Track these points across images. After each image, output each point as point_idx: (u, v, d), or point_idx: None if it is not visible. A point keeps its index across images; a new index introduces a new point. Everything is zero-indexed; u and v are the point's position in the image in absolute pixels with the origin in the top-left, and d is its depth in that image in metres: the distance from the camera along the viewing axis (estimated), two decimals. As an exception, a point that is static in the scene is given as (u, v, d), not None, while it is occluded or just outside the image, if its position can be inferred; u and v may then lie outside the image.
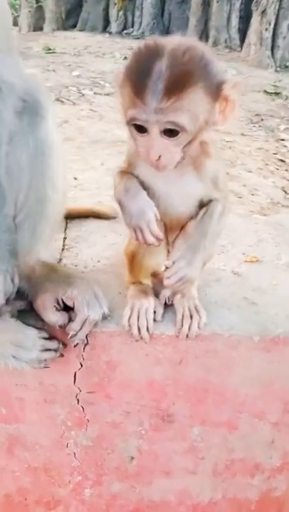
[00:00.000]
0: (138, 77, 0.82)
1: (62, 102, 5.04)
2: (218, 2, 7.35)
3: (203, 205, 1.01)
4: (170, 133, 0.84)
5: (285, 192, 3.61)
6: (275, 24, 6.76)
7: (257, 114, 5.58)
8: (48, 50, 6.82)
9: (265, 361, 1.07)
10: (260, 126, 5.26)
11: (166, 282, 0.94)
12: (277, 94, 6.27)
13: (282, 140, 4.94)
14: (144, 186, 0.96)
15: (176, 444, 1.25)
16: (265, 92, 6.28)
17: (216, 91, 0.85)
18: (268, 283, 1.17)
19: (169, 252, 1.06)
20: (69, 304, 0.95)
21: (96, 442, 1.23)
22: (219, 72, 0.86)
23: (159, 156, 0.86)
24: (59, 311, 0.94)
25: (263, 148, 4.60)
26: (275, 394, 1.15)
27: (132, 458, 1.28)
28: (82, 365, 1.05)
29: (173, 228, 1.04)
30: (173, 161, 0.88)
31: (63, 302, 0.95)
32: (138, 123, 0.84)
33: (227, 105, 0.88)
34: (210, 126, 0.90)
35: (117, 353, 1.04)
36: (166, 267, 0.93)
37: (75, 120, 3.92)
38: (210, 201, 1.01)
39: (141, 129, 0.85)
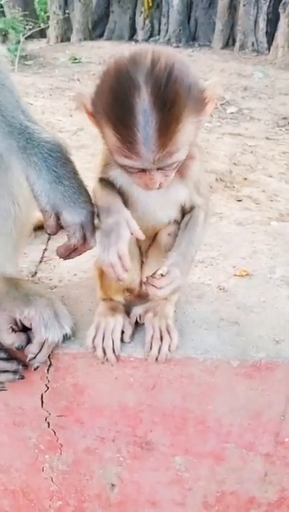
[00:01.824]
0: (123, 125, 0.73)
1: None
2: (244, 6, 7.24)
3: (183, 212, 0.95)
4: (168, 166, 0.79)
5: (308, 198, 3.41)
6: (304, 25, 6.53)
7: (284, 118, 5.38)
8: (74, 60, 6.94)
9: (248, 389, 0.96)
10: (286, 130, 5.07)
11: (159, 292, 0.85)
12: (305, 96, 6.02)
13: (309, 143, 4.71)
14: (122, 191, 0.89)
15: (159, 473, 1.16)
16: (293, 94, 6.04)
17: (201, 104, 0.78)
18: (255, 300, 1.06)
19: (142, 263, 0.99)
20: (26, 324, 0.88)
21: (72, 467, 1.15)
22: (199, 83, 0.78)
23: (160, 185, 0.82)
24: (16, 331, 0.88)
25: (288, 152, 4.41)
26: (265, 425, 1.03)
27: (113, 485, 1.20)
28: (48, 387, 0.99)
29: (147, 237, 0.97)
30: (169, 182, 0.84)
31: (22, 322, 0.89)
32: (134, 169, 0.79)
33: (208, 106, 0.82)
34: (197, 134, 0.84)
35: (84, 376, 0.96)
36: (162, 275, 0.86)
37: (90, 128, 3.93)
38: (192, 208, 0.95)
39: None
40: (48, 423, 1.05)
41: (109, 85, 0.74)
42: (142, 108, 0.70)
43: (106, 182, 0.91)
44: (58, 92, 5.52)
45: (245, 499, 1.20)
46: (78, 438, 1.09)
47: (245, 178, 3.46)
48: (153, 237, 0.97)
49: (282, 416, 1.01)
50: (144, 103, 0.70)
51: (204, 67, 6.69)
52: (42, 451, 1.12)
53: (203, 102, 0.78)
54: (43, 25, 7.70)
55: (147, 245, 0.98)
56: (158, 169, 0.78)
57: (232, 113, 5.20)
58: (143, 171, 0.78)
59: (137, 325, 0.98)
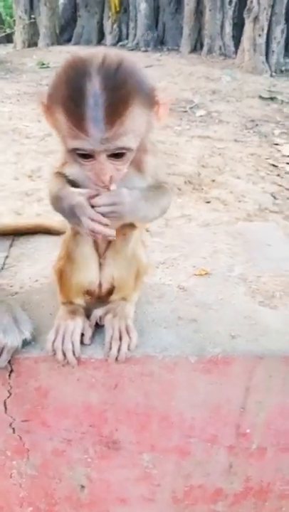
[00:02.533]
0: (73, 106, 0.76)
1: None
2: (210, 10, 7.37)
3: None
4: (116, 155, 0.81)
5: (274, 197, 3.52)
6: (269, 30, 6.74)
7: (251, 120, 5.51)
8: (42, 65, 6.91)
9: (207, 383, 1.00)
10: (254, 132, 5.19)
11: (94, 201, 0.83)
12: (272, 99, 6.22)
13: (277, 145, 4.86)
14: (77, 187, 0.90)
15: (128, 471, 1.18)
16: (260, 97, 6.23)
17: (151, 100, 0.83)
18: (214, 298, 1.10)
19: (100, 265, 1.01)
20: (-16, 330, 0.89)
21: (41, 471, 1.16)
22: (149, 83, 0.83)
23: (111, 178, 0.83)
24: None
25: (256, 154, 4.53)
26: (226, 418, 1.07)
27: (83, 486, 1.21)
28: (10, 393, 0.99)
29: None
30: (121, 176, 0.85)
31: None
32: (83, 152, 0.80)
33: (160, 108, 0.86)
34: (149, 131, 0.88)
35: (46, 379, 0.98)
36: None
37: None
38: None
39: (85, 156, 0.81)
40: (13, 428, 1.06)
41: (64, 76, 0.79)
42: (92, 90, 0.75)
43: (62, 176, 0.93)
44: (25, 98, 5.48)
45: (213, 491, 1.24)
46: (45, 441, 1.10)
47: (214, 180, 3.53)
48: (109, 240, 0.99)
49: (242, 408, 1.05)
50: (94, 87, 0.75)
51: (173, 71, 6.77)
52: (9, 457, 1.12)
53: (153, 98, 0.83)
54: (8, 30, 7.61)
55: (104, 247, 1.00)
56: (108, 157, 0.80)
57: (201, 116, 5.29)
58: (94, 159, 0.80)
59: (98, 327, 1.00)
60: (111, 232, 0.84)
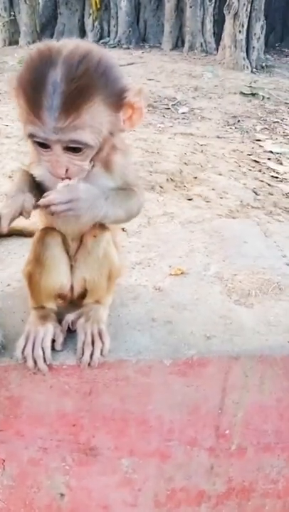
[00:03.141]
0: (32, 91, 0.76)
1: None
2: (191, 7, 7.36)
3: None
4: (73, 149, 0.79)
5: (256, 193, 3.52)
6: (249, 26, 6.75)
7: (233, 116, 5.52)
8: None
9: (184, 386, 0.98)
10: (236, 128, 5.19)
11: (53, 208, 0.79)
12: (253, 95, 6.23)
13: (258, 140, 4.86)
14: (44, 188, 0.88)
15: (107, 477, 1.15)
16: (242, 93, 6.23)
17: (118, 100, 0.80)
18: (189, 298, 1.08)
19: (72, 267, 0.98)
20: None
21: (18, 481, 1.13)
22: (120, 80, 0.81)
23: (66, 170, 0.80)
24: None
25: (238, 150, 4.53)
26: (204, 419, 1.06)
27: (62, 494, 1.18)
28: (-19, 403, 0.96)
29: (74, 239, 0.97)
30: (82, 172, 0.83)
31: None
32: (39, 140, 0.78)
33: (133, 112, 0.84)
34: (116, 133, 0.85)
35: (18, 388, 0.95)
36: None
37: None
38: None
39: (42, 145, 0.79)
40: (-13, 438, 1.03)
41: (30, 62, 0.78)
42: (52, 78, 0.74)
43: (27, 175, 0.90)
44: (6, 97, 5.39)
45: (195, 493, 1.22)
46: (20, 450, 1.07)
47: (196, 177, 3.51)
48: (80, 240, 0.97)
49: (220, 409, 1.04)
50: (55, 75, 0.74)
51: (155, 68, 6.75)
52: (-16, 467, 1.09)
53: (122, 98, 0.80)
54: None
55: (75, 249, 0.97)
56: (65, 150, 0.78)
57: (184, 113, 5.27)
58: (50, 149, 0.78)
59: (71, 332, 0.97)
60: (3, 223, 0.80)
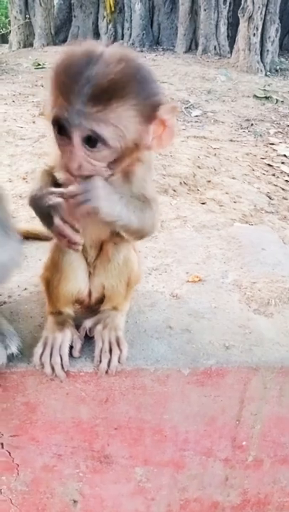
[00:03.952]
0: (66, 77, 0.75)
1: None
2: (205, 10, 7.35)
3: None
4: (91, 142, 0.77)
5: (270, 198, 3.49)
6: (263, 29, 6.72)
7: (247, 120, 5.49)
8: (38, 66, 6.87)
9: (201, 396, 0.97)
10: (249, 132, 5.17)
11: (67, 189, 0.79)
12: (267, 98, 6.20)
13: (272, 144, 4.83)
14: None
15: (121, 485, 1.14)
16: (255, 96, 6.21)
17: (150, 112, 0.78)
18: (207, 306, 1.07)
19: (90, 274, 0.97)
20: None
21: (32, 487, 1.12)
22: (155, 93, 0.79)
23: (80, 166, 0.78)
24: None
25: (251, 154, 4.50)
26: (221, 430, 1.04)
27: (76, 501, 1.18)
28: (-3, 408, 0.96)
29: (93, 246, 0.95)
30: (96, 174, 0.80)
31: None
32: (61, 124, 0.76)
33: (164, 130, 0.81)
34: (142, 148, 0.82)
35: (34, 394, 0.94)
36: None
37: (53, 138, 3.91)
38: None
39: (63, 132, 0.77)
40: (2, 444, 1.02)
41: (70, 53, 0.77)
42: (90, 69, 0.73)
43: (49, 176, 0.89)
44: (20, 99, 5.44)
45: (209, 504, 1.21)
46: (35, 456, 1.06)
47: (209, 181, 3.49)
48: (100, 248, 0.96)
49: (237, 420, 1.02)
50: (93, 67, 0.73)
51: (168, 71, 6.75)
52: (-2, 472, 1.09)
53: (154, 110, 0.78)
54: (3, 31, 7.56)
55: (94, 256, 0.96)
56: (84, 144, 0.76)
57: (196, 116, 5.26)
58: (70, 140, 0.76)
59: (88, 338, 0.96)
60: (77, 238, 0.80)
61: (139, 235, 0.90)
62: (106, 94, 0.74)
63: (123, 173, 0.85)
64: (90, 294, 0.98)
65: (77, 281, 0.95)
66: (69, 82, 0.74)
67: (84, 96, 0.73)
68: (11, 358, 0.89)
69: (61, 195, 0.79)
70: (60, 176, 0.88)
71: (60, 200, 0.79)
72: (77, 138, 0.76)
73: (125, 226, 0.85)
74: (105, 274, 0.96)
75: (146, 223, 0.87)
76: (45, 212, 0.82)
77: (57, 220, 0.79)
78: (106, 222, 0.81)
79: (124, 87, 0.75)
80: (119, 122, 0.76)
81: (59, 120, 0.76)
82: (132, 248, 0.98)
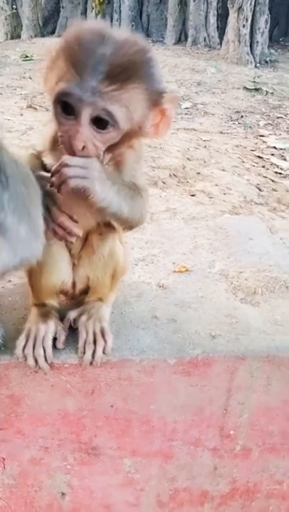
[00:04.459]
0: (81, 50, 0.72)
1: (35, 108, 4.96)
2: (195, 1, 7.29)
3: None
4: (100, 123, 0.74)
5: (259, 189, 3.49)
6: (253, 20, 6.69)
7: (237, 111, 5.47)
8: (25, 58, 6.78)
9: (188, 386, 0.96)
10: (239, 123, 5.15)
11: (66, 158, 0.76)
12: (257, 90, 6.19)
13: (262, 136, 4.82)
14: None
15: (110, 477, 1.14)
16: (245, 88, 6.19)
17: (155, 98, 0.78)
18: (194, 296, 1.06)
19: (75, 265, 0.95)
20: None
21: (19, 480, 1.12)
22: (161, 81, 0.80)
23: (84, 147, 0.75)
24: None
25: (241, 146, 4.49)
26: (209, 420, 1.04)
27: (64, 494, 1.17)
28: (-19, 401, 0.94)
29: (78, 238, 0.92)
30: (95, 155, 0.78)
31: None
32: (69, 100, 0.73)
33: (162, 119, 0.81)
34: (140, 134, 0.82)
35: (19, 386, 0.93)
36: None
37: (41, 126, 3.86)
38: None
39: (69, 111, 0.74)
40: (-13, 438, 1.01)
41: (78, 33, 0.75)
42: (105, 46, 0.72)
43: (37, 160, 0.86)
44: (8, 91, 5.36)
45: (198, 494, 1.21)
46: (21, 449, 1.05)
47: (199, 173, 3.48)
48: (84, 239, 0.94)
49: (225, 410, 1.02)
50: (109, 45, 0.72)
51: (158, 62, 6.68)
52: (-16, 466, 1.07)
53: (159, 97, 0.78)
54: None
55: (78, 247, 0.94)
56: (92, 123, 0.74)
57: (187, 108, 5.23)
58: (75, 119, 0.74)
59: (73, 330, 0.95)
60: (76, 230, 0.79)
61: (129, 224, 0.89)
62: (123, 74, 0.73)
63: (114, 162, 0.84)
64: (74, 284, 0.97)
65: (60, 273, 0.93)
66: (83, 56, 0.72)
67: (100, 73, 0.71)
68: (-5, 349, 0.87)
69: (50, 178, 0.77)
70: (49, 161, 0.85)
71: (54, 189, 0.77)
72: (86, 116, 0.73)
73: (115, 214, 0.83)
74: (90, 266, 0.94)
75: (136, 212, 0.86)
76: None
77: (55, 211, 0.78)
78: (97, 207, 0.79)
79: (139, 69, 0.75)
80: (131, 104, 0.75)
81: (67, 95, 0.73)
82: (118, 240, 0.96)
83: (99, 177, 0.76)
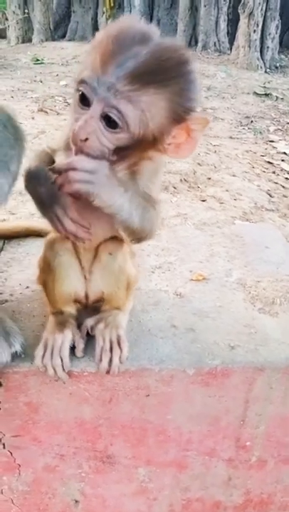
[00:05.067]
0: (115, 41, 0.69)
1: (46, 112, 5.00)
2: (205, 6, 7.31)
3: None
4: (110, 122, 0.71)
5: (270, 195, 3.48)
6: (263, 26, 6.69)
7: (247, 117, 5.47)
8: (36, 61, 6.83)
9: (205, 396, 0.95)
10: (249, 129, 5.15)
11: (71, 161, 0.73)
12: (267, 95, 6.18)
13: (272, 142, 4.81)
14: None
15: (123, 485, 1.13)
16: (255, 93, 6.19)
17: (181, 114, 0.73)
18: (211, 305, 1.06)
19: (85, 278, 0.94)
20: None
21: (33, 487, 1.11)
22: (194, 99, 0.75)
23: (87, 139, 0.72)
24: None
25: (251, 151, 4.48)
26: (225, 430, 1.03)
27: (77, 501, 1.16)
28: (0, 408, 0.94)
29: (87, 249, 0.90)
30: (99, 153, 0.74)
31: None
32: (85, 91, 0.71)
33: (186, 140, 0.77)
34: (157, 147, 0.77)
35: (37, 394, 0.93)
36: None
37: (53, 130, 3.88)
38: None
39: (85, 102, 0.72)
40: (3, 444, 1.01)
41: (123, 24, 0.73)
42: (140, 47, 0.69)
43: (49, 156, 0.84)
44: (19, 94, 5.40)
45: (211, 504, 1.20)
46: (37, 457, 1.05)
47: (209, 178, 3.48)
48: (95, 254, 0.92)
49: (242, 421, 1.01)
50: (143, 47, 0.69)
51: (198, 81, 6.73)
52: (-1, 472, 1.07)
53: (185, 113, 0.73)
54: (1, 26, 7.50)
55: (89, 260, 0.92)
56: (102, 116, 0.71)
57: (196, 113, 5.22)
58: (88, 108, 0.72)
59: (92, 337, 0.95)
60: (86, 235, 0.77)
61: (138, 235, 0.85)
62: (148, 75, 0.69)
63: (130, 170, 0.80)
64: (87, 296, 0.95)
65: (71, 283, 0.92)
66: (115, 49, 0.69)
67: (124, 70, 0.68)
68: (14, 356, 0.87)
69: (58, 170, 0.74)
70: (60, 160, 0.81)
71: (67, 200, 0.75)
72: (97, 110, 0.70)
73: (125, 222, 0.79)
74: (102, 281, 0.93)
75: (147, 224, 0.82)
76: (46, 198, 0.78)
77: (61, 213, 0.76)
78: (106, 212, 0.76)
79: (170, 77, 0.70)
80: (149, 109, 0.70)
81: (84, 85, 0.71)
82: (128, 254, 0.93)
83: (106, 183, 0.73)
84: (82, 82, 0.72)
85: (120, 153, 0.75)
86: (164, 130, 0.74)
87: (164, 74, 0.70)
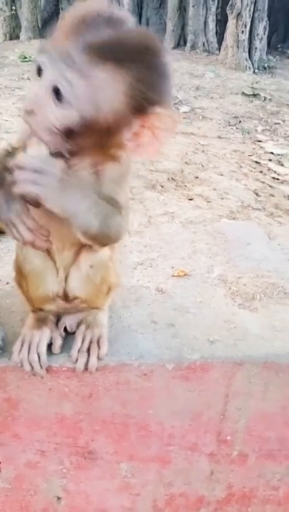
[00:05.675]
0: (82, 19, 0.64)
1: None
2: (194, 6, 7.34)
3: None
4: (58, 95, 0.64)
5: (257, 194, 3.50)
6: (251, 26, 6.74)
7: (235, 117, 5.50)
8: (24, 59, 6.76)
9: (186, 391, 0.96)
10: (237, 129, 5.17)
11: (18, 161, 0.67)
12: (255, 95, 6.22)
13: (259, 141, 4.85)
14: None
15: (106, 481, 1.13)
16: (244, 94, 6.23)
17: (142, 105, 0.66)
18: (192, 301, 1.06)
19: (62, 278, 0.89)
20: None
21: (15, 484, 1.11)
22: (160, 92, 0.67)
23: (34, 110, 0.66)
24: None
25: (239, 151, 4.50)
26: (206, 425, 1.03)
27: (59, 498, 1.16)
28: (-22, 404, 0.94)
29: (60, 250, 0.85)
30: (47, 132, 0.67)
31: None
32: (40, 61, 0.65)
33: (150, 139, 0.69)
34: (116, 144, 0.70)
35: (16, 390, 0.92)
36: None
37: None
38: None
39: (41, 73, 0.66)
40: (-17, 441, 1.01)
41: (97, 7, 0.66)
42: (111, 24, 0.63)
43: (9, 156, 0.76)
44: (6, 92, 5.35)
45: (194, 499, 1.21)
46: (17, 453, 1.04)
47: (197, 177, 3.49)
48: (74, 256, 0.87)
49: (222, 415, 1.02)
50: (116, 24, 0.63)
51: (171, 77, 6.74)
52: (-20, 470, 1.07)
53: (148, 104, 0.66)
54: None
55: (64, 260, 0.87)
56: (52, 90, 0.64)
57: (185, 112, 5.25)
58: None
59: (72, 333, 0.94)
60: (44, 244, 0.71)
61: (99, 241, 0.79)
62: (110, 51, 0.62)
63: (94, 172, 0.75)
64: (64, 294, 0.91)
65: (46, 285, 0.89)
66: (81, 23, 0.63)
67: (85, 41, 0.62)
68: (-6, 351, 0.87)
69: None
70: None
71: (23, 207, 0.69)
72: (47, 79, 0.64)
73: (82, 227, 0.73)
74: (80, 287, 0.89)
75: (110, 229, 0.76)
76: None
77: (23, 230, 0.70)
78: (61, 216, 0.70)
79: (134, 59, 0.63)
80: (103, 88, 0.63)
81: (41, 55, 0.65)
82: (109, 261, 0.89)
83: (55, 184, 0.67)
84: (41, 52, 0.66)
85: (73, 139, 0.67)
86: (121, 120, 0.67)
87: (129, 55, 0.63)
